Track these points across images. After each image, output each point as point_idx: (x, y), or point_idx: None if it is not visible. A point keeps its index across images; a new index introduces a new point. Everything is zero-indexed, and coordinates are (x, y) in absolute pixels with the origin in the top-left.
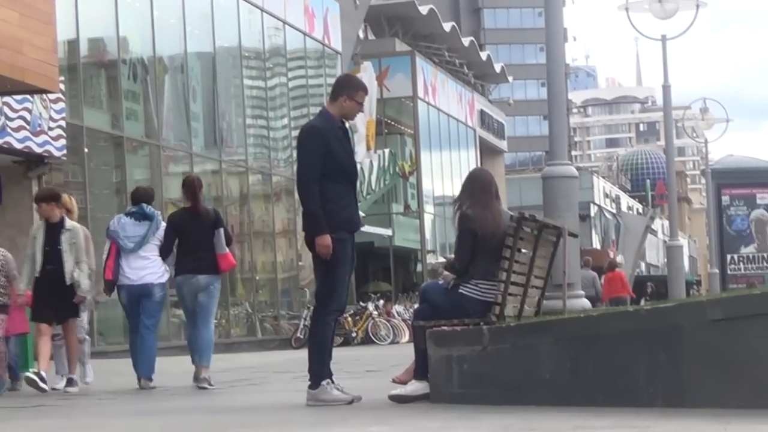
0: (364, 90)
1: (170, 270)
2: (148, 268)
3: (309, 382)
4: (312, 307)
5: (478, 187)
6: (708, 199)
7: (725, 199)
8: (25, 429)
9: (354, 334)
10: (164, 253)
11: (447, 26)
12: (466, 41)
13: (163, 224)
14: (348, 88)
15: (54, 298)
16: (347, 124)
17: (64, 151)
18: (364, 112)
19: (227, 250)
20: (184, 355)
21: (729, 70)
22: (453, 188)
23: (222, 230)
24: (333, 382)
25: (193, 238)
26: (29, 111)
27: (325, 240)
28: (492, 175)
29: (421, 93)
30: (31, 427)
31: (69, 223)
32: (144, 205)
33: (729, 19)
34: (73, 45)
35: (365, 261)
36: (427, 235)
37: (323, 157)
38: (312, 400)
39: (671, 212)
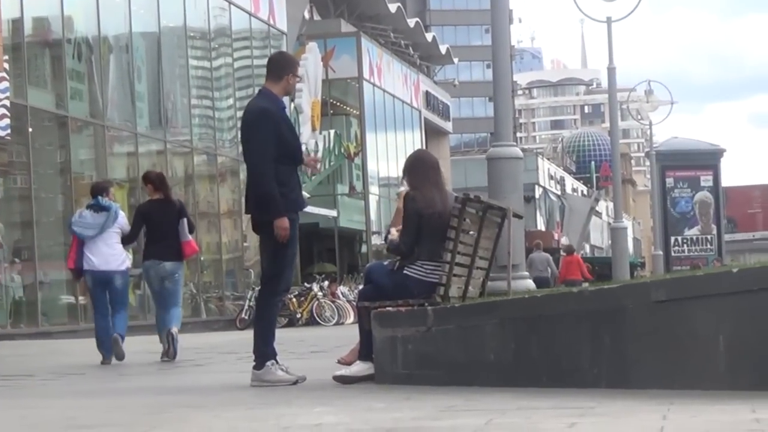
0: (299, 64)
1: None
2: (111, 255)
3: (254, 363)
4: (257, 288)
5: (426, 168)
6: (652, 181)
7: (669, 181)
8: None
9: (299, 315)
10: (129, 240)
11: (392, 7)
12: (411, 22)
13: (122, 213)
14: (291, 66)
15: None
16: (292, 106)
17: (8, 131)
18: (308, 91)
19: (190, 237)
20: (137, 335)
21: (672, 53)
22: (398, 169)
23: (186, 220)
24: (278, 362)
25: (162, 226)
26: None
27: (284, 222)
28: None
29: (366, 74)
30: None
31: None
32: (100, 197)
33: (670, 1)
34: (17, 24)
35: (310, 242)
36: (372, 216)
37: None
38: (257, 380)
39: (615, 194)
